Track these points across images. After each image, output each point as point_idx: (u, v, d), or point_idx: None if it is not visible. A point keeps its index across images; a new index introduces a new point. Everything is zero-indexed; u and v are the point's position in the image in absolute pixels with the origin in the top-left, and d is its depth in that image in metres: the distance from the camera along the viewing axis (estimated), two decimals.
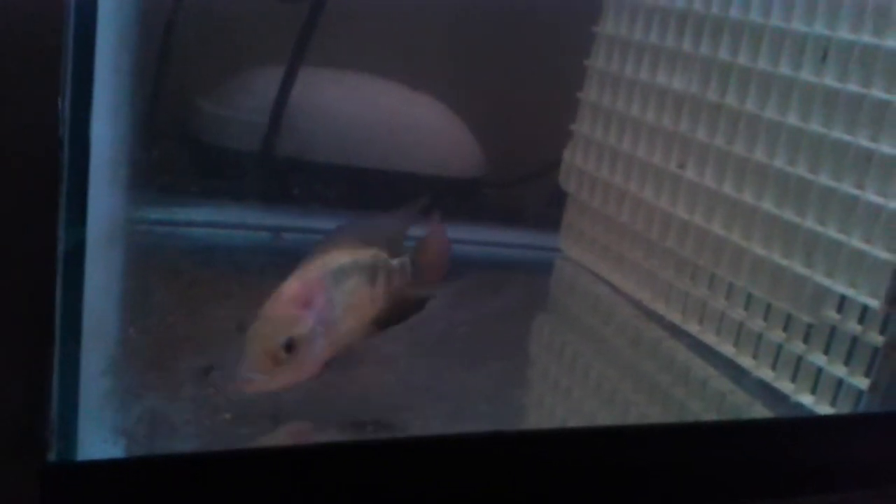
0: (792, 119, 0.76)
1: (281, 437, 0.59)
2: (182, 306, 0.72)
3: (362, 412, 0.62)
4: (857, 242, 0.70)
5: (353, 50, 0.96)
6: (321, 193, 0.93)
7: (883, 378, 0.68)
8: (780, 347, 0.76)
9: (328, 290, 0.60)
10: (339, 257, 0.62)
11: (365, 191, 0.95)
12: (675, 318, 0.87)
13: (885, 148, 0.69)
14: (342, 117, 0.97)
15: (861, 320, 0.70)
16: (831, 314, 0.72)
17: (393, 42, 0.99)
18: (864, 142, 0.70)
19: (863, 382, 0.69)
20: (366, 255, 0.64)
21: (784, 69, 0.77)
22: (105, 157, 0.54)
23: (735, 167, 0.81)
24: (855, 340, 0.70)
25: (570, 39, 1.00)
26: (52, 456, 0.46)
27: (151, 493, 0.48)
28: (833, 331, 0.72)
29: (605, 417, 0.72)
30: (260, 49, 0.94)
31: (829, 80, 0.73)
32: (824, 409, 0.71)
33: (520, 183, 1.07)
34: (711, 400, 0.76)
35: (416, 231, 0.70)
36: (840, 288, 0.71)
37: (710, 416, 0.74)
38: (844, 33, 0.73)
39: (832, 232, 0.72)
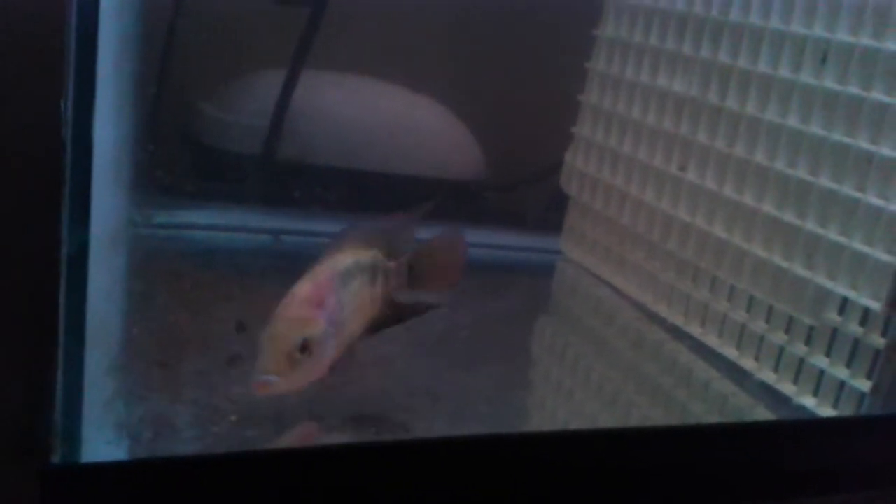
0: (792, 121, 0.76)
1: (291, 438, 0.59)
2: (184, 308, 0.72)
3: (363, 414, 0.62)
4: (858, 245, 0.70)
5: (354, 53, 0.96)
6: (322, 196, 0.93)
7: (885, 380, 0.68)
8: (782, 350, 0.76)
9: (337, 291, 0.60)
10: (345, 259, 0.62)
11: (366, 194, 0.95)
12: (677, 320, 0.87)
13: (886, 150, 0.69)
14: (343, 120, 0.97)
15: (863, 322, 0.70)
16: (833, 316, 0.72)
17: (394, 45, 0.99)
18: (865, 144, 0.70)
19: (865, 384, 0.69)
20: (366, 255, 0.64)
21: (784, 72, 0.77)
22: (107, 160, 0.55)
23: (736, 169, 0.81)
24: (857, 342, 0.70)
25: (571, 42, 1.01)
26: (54, 458, 0.46)
27: (154, 496, 0.48)
28: (835, 333, 0.72)
29: (606, 420, 0.72)
30: (261, 52, 0.94)
31: (830, 83, 0.74)
32: (826, 411, 0.71)
33: (521, 185, 1.07)
34: (714, 402, 0.76)
35: (429, 235, 0.70)
36: (841, 290, 0.71)
37: (712, 418, 0.74)
38: (844, 36, 0.73)
39: (833, 234, 0.72)
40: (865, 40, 0.71)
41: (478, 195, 1.05)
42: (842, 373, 0.71)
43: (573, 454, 0.58)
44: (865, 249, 0.69)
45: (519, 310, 0.91)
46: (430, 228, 0.70)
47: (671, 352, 0.83)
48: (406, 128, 1.01)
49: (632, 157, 0.93)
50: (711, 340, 0.83)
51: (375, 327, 0.65)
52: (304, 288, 0.58)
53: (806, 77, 0.76)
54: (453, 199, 1.03)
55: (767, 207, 0.78)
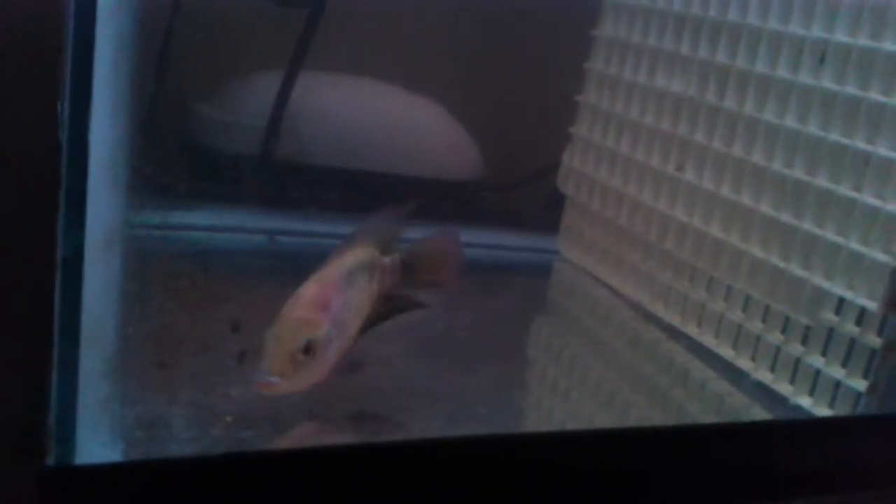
0: (790, 121, 0.76)
1: (292, 438, 0.59)
2: (181, 309, 0.72)
3: (361, 414, 0.62)
4: (855, 244, 0.70)
5: (352, 53, 0.96)
6: (320, 197, 0.93)
7: (881, 380, 0.68)
8: (778, 349, 0.76)
9: (342, 292, 0.61)
10: (349, 259, 0.63)
11: (364, 194, 0.95)
12: (674, 320, 0.87)
13: (883, 150, 0.69)
14: (341, 121, 0.97)
15: (859, 322, 0.70)
16: (829, 316, 0.72)
17: (392, 46, 0.99)
18: (862, 144, 0.70)
19: (861, 384, 0.69)
20: (366, 254, 0.65)
21: (782, 72, 0.77)
22: (104, 160, 0.54)
23: (733, 169, 0.81)
24: (853, 342, 0.70)
25: (569, 42, 1.00)
26: (50, 459, 0.46)
27: (150, 497, 0.48)
28: (831, 333, 0.72)
29: (603, 420, 0.72)
30: (259, 53, 0.94)
31: (827, 83, 0.74)
32: (823, 411, 0.71)
33: (518, 185, 1.07)
34: (710, 402, 0.76)
35: (423, 233, 0.71)
36: (838, 290, 0.71)
37: (709, 418, 0.74)
38: (842, 36, 0.73)
39: (830, 234, 0.72)
40: (863, 41, 0.71)
41: (475, 195, 1.05)
42: (838, 372, 0.71)
43: (570, 454, 0.58)
44: (862, 249, 0.69)
45: (516, 310, 0.91)
46: (427, 228, 0.70)
47: (668, 352, 0.83)
48: (404, 128, 1.01)
49: (629, 157, 0.93)
50: (708, 340, 0.83)
51: (369, 324, 0.65)
52: (310, 289, 0.59)
53: (804, 77, 0.76)
54: (451, 200, 1.03)
55: (765, 207, 0.78)
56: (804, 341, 0.74)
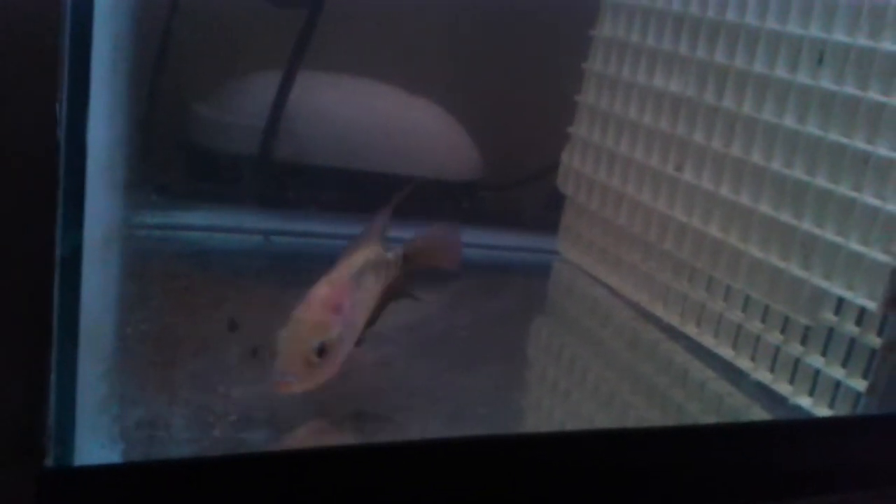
0: (789, 121, 0.76)
1: (297, 438, 0.59)
2: (179, 309, 0.72)
3: (361, 414, 0.62)
4: (854, 244, 0.70)
5: (350, 54, 0.96)
6: (319, 197, 0.93)
7: (881, 380, 0.68)
8: (778, 349, 0.76)
9: (353, 294, 0.62)
10: (358, 259, 0.64)
11: (363, 194, 0.95)
12: (674, 320, 0.87)
13: (882, 150, 0.69)
14: (340, 121, 0.97)
15: (859, 322, 0.70)
16: (829, 316, 0.72)
17: (390, 46, 0.99)
18: (861, 144, 0.70)
19: (861, 384, 0.69)
20: (373, 253, 0.66)
21: (781, 72, 0.77)
22: (102, 161, 0.54)
23: (732, 169, 0.81)
24: (853, 342, 0.70)
25: (568, 42, 1.00)
26: (49, 461, 0.46)
27: (149, 499, 0.47)
28: (831, 333, 0.72)
29: (603, 420, 0.72)
30: (257, 53, 0.94)
31: (826, 83, 0.74)
32: (822, 411, 0.71)
33: (518, 185, 1.07)
34: (710, 402, 0.76)
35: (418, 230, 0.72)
36: (838, 290, 0.71)
37: (708, 418, 0.74)
38: (841, 36, 0.73)
39: (830, 234, 0.72)
40: (862, 40, 0.71)
41: (474, 195, 1.05)
42: (838, 372, 0.71)
43: (570, 455, 0.58)
44: (862, 249, 0.69)
45: (516, 310, 0.91)
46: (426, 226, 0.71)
47: (667, 352, 0.83)
48: (403, 128, 1.01)
49: (628, 157, 0.93)
50: (707, 340, 0.83)
51: (368, 321, 0.66)
52: (322, 291, 0.60)
53: (802, 77, 0.76)
54: (450, 200, 1.03)
55: (764, 207, 0.78)
56: (804, 341, 0.74)
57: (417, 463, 0.54)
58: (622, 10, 0.95)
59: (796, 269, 0.74)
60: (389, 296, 0.69)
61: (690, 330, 0.85)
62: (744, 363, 0.79)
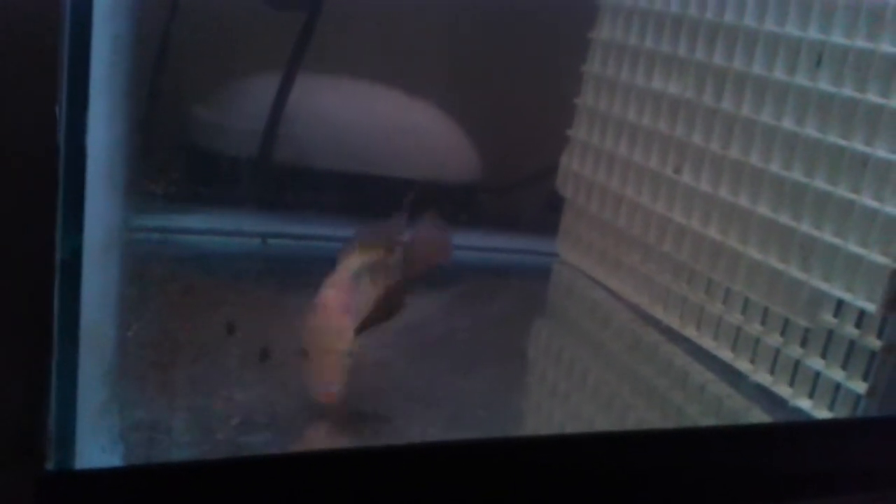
0: (787, 123, 0.76)
1: (299, 441, 0.59)
2: (179, 313, 0.72)
3: (360, 417, 0.62)
4: (853, 246, 0.70)
5: (349, 56, 0.96)
6: (318, 200, 0.93)
7: (881, 382, 0.68)
8: (777, 352, 0.76)
9: (356, 294, 0.63)
10: (354, 262, 0.65)
11: (362, 197, 0.95)
12: (673, 322, 0.87)
13: (881, 152, 0.69)
14: (339, 123, 0.97)
15: (858, 324, 0.70)
16: (828, 318, 0.72)
17: (390, 48, 0.99)
18: (860, 146, 0.70)
19: (860, 386, 0.69)
20: (370, 256, 0.66)
21: (779, 74, 0.78)
22: (101, 163, 0.54)
23: (731, 171, 0.81)
24: (852, 344, 0.70)
25: (567, 45, 1.01)
26: (49, 464, 0.46)
27: (150, 502, 0.47)
28: (830, 335, 0.72)
29: (603, 422, 0.72)
30: (256, 55, 0.94)
31: (824, 85, 0.74)
32: (822, 413, 0.71)
33: (517, 188, 1.07)
34: (709, 404, 0.76)
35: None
36: (837, 292, 0.71)
37: (708, 420, 0.74)
38: (839, 38, 0.73)
39: (828, 236, 0.72)
40: (860, 42, 0.71)
41: (473, 198, 1.05)
42: (837, 375, 0.71)
43: (570, 457, 0.58)
44: (861, 251, 0.69)
45: (515, 312, 0.91)
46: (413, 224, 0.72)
47: (667, 354, 0.83)
48: (402, 131, 1.01)
49: (627, 159, 0.93)
50: (707, 342, 0.83)
51: (370, 323, 0.66)
52: (333, 296, 0.61)
53: (801, 79, 0.76)
54: (449, 202, 1.03)
55: (763, 209, 0.78)
56: (803, 343, 0.74)
57: (417, 466, 0.54)
58: (620, 13, 0.95)
59: (795, 271, 0.74)
60: (387, 306, 0.69)
61: (690, 332, 0.85)
62: (743, 365, 0.79)
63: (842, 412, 0.70)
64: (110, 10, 0.55)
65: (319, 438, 0.61)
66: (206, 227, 0.89)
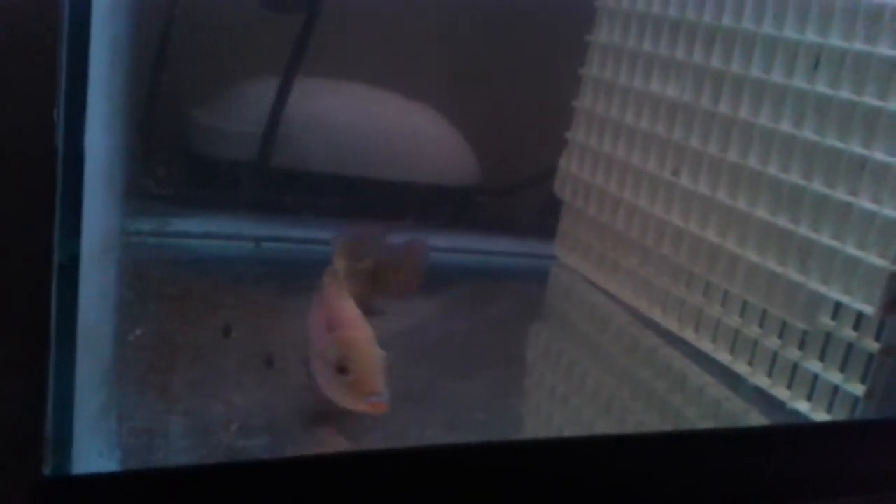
0: (785, 126, 0.76)
1: (296, 446, 0.59)
2: (177, 317, 0.72)
3: (356, 422, 0.62)
4: (851, 249, 0.70)
5: (348, 59, 0.96)
6: (316, 203, 0.93)
7: (879, 384, 0.68)
8: (775, 354, 0.76)
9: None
10: (340, 265, 0.64)
11: (361, 200, 0.95)
12: (671, 325, 0.87)
13: (879, 154, 0.69)
14: (337, 127, 0.97)
15: (856, 327, 0.70)
16: (826, 321, 0.72)
17: (388, 51, 0.99)
18: (858, 148, 0.70)
19: (858, 389, 0.69)
20: (356, 266, 0.66)
21: (777, 76, 0.78)
22: (99, 168, 0.54)
23: (729, 174, 0.81)
24: (850, 347, 0.70)
25: (565, 48, 1.01)
26: (46, 469, 0.46)
27: None
28: (828, 337, 0.72)
29: (602, 426, 0.72)
30: (255, 59, 0.94)
31: (822, 88, 0.74)
32: (820, 415, 0.71)
33: (515, 191, 1.07)
34: (708, 407, 0.76)
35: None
36: (835, 294, 0.71)
37: (706, 423, 0.74)
38: (837, 40, 0.73)
39: (826, 239, 0.72)
40: (857, 45, 0.71)
41: (472, 201, 1.05)
42: (835, 377, 0.71)
43: (569, 461, 0.58)
44: (858, 254, 0.69)
45: (513, 315, 0.91)
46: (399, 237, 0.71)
47: (665, 357, 0.83)
48: (400, 134, 1.01)
49: (625, 162, 0.93)
50: (705, 345, 0.83)
51: None
52: (353, 307, 0.61)
53: (798, 82, 0.76)
54: (448, 205, 1.03)
55: (761, 212, 0.78)
56: (801, 346, 0.74)
57: (416, 470, 0.54)
58: (618, 15, 0.95)
59: (793, 274, 0.74)
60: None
61: (688, 335, 0.85)
62: (742, 368, 0.79)
63: (840, 414, 0.70)
64: (109, 13, 0.55)
65: (316, 443, 0.61)
66: (204, 231, 0.89)
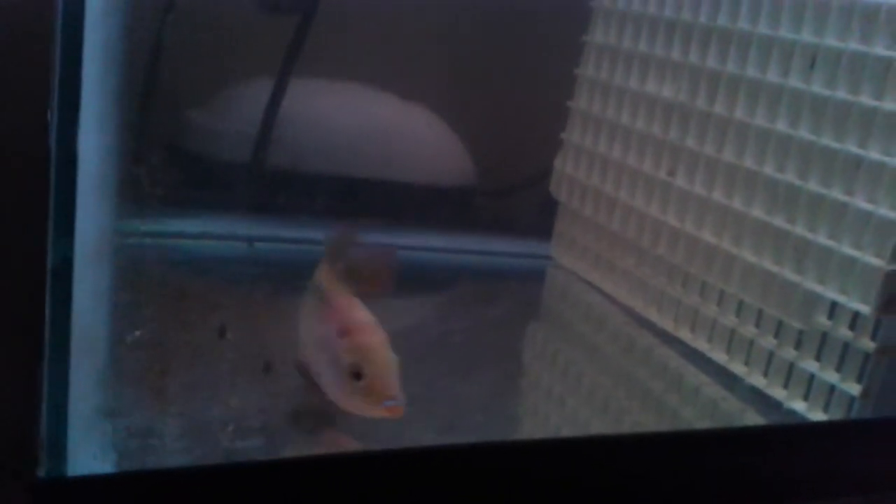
0: (781, 126, 0.77)
1: (294, 447, 0.59)
2: (172, 317, 0.72)
3: (353, 423, 0.62)
4: (847, 249, 0.70)
5: (343, 60, 0.96)
6: (312, 204, 0.93)
7: (875, 384, 0.68)
8: (771, 354, 0.76)
9: None
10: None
11: (356, 201, 0.95)
12: (667, 325, 0.87)
13: (874, 154, 0.69)
14: (333, 127, 0.97)
15: (852, 326, 0.70)
16: (822, 320, 0.72)
17: (383, 52, 0.99)
18: (853, 148, 0.70)
19: (854, 388, 0.69)
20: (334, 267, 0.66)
21: (772, 76, 0.78)
22: (93, 169, 0.54)
23: (725, 174, 0.81)
24: (846, 346, 0.70)
25: (561, 48, 1.01)
26: (41, 471, 0.46)
27: None
28: (824, 337, 0.72)
29: (598, 426, 0.72)
30: (250, 60, 0.94)
31: (818, 87, 0.74)
32: (817, 415, 0.72)
33: (511, 191, 1.07)
34: (704, 407, 0.76)
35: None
36: (831, 294, 0.71)
37: (703, 423, 0.74)
38: (832, 40, 0.73)
39: (822, 238, 0.72)
40: (854, 45, 0.71)
41: (468, 201, 1.05)
42: (832, 377, 0.71)
43: (566, 461, 0.58)
44: (854, 253, 0.69)
45: (510, 316, 0.91)
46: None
47: (662, 357, 0.83)
48: (396, 134, 1.01)
49: (621, 162, 0.93)
50: (701, 345, 0.83)
51: None
52: (365, 310, 0.59)
53: (794, 82, 0.76)
54: (444, 206, 1.02)
55: (756, 212, 0.78)
56: (797, 346, 0.74)
57: (413, 471, 0.54)
58: (614, 16, 0.95)
59: (789, 274, 0.74)
60: None
61: (684, 335, 0.85)
62: (738, 368, 0.79)
63: (836, 414, 0.70)
64: (102, 14, 0.54)
65: (314, 444, 0.61)
66: (199, 232, 0.89)
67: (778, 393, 0.75)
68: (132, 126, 0.83)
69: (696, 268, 0.84)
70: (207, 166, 0.94)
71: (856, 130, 0.71)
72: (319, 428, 0.62)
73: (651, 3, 0.90)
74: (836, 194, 0.71)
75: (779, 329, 0.76)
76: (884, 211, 0.68)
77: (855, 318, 0.70)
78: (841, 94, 0.72)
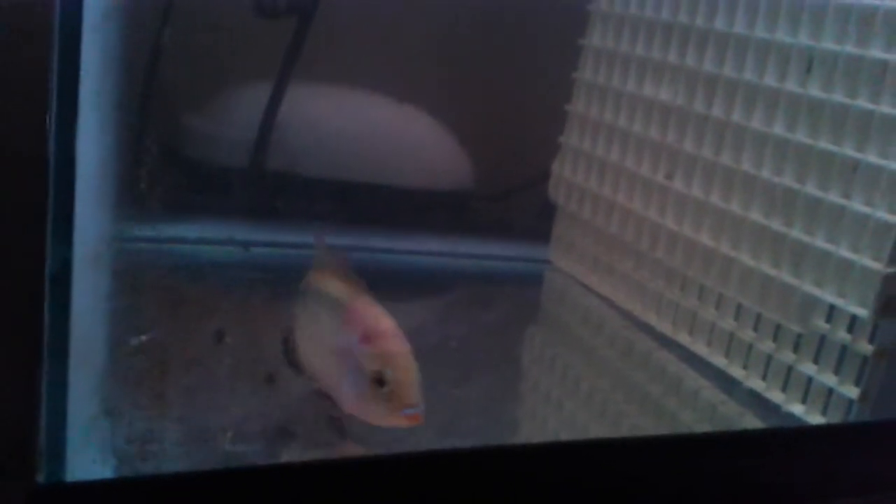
0: (778, 129, 0.77)
1: (292, 452, 0.59)
2: (171, 323, 0.72)
3: (350, 428, 0.62)
4: (845, 252, 0.70)
5: (341, 64, 0.96)
6: (310, 208, 0.93)
7: (873, 387, 0.68)
8: (770, 357, 0.76)
9: None
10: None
11: (354, 205, 0.95)
12: (666, 328, 0.87)
13: (871, 157, 0.69)
14: (330, 131, 0.97)
15: (850, 329, 0.70)
16: (820, 324, 0.72)
17: (381, 56, 0.99)
18: (851, 151, 0.71)
19: (853, 391, 0.69)
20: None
21: (769, 80, 0.78)
22: (91, 174, 0.54)
23: (722, 178, 0.81)
24: (844, 349, 0.70)
25: (558, 52, 1.01)
26: (40, 477, 0.46)
27: None
28: (823, 340, 0.72)
29: (597, 430, 0.72)
30: (248, 64, 0.94)
31: (815, 91, 0.74)
32: (815, 418, 0.72)
33: (509, 195, 1.07)
34: (703, 410, 0.76)
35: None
36: (829, 297, 0.71)
37: (701, 426, 0.74)
38: (829, 44, 0.73)
39: (820, 241, 0.72)
40: (850, 48, 0.72)
41: (466, 205, 1.05)
42: (830, 380, 0.71)
43: (564, 465, 0.58)
44: (852, 256, 0.69)
45: (508, 319, 0.91)
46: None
47: (660, 360, 0.83)
48: (394, 138, 1.01)
49: (619, 165, 0.93)
50: (700, 349, 0.83)
51: None
52: (388, 317, 0.59)
53: (791, 85, 0.76)
54: (442, 210, 1.03)
55: (754, 215, 0.78)
56: (796, 349, 0.74)
57: (410, 475, 0.54)
58: (611, 19, 0.95)
59: (787, 277, 0.74)
60: None
61: (683, 338, 0.85)
62: (736, 371, 0.79)
63: (834, 417, 0.70)
64: (101, 20, 0.55)
65: (312, 449, 0.61)
66: (197, 237, 0.89)
67: (776, 396, 0.75)
68: (131, 130, 0.83)
69: (695, 271, 0.84)
70: (206, 171, 0.94)
71: (853, 133, 0.71)
72: (315, 432, 0.62)
73: (648, 7, 0.90)
74: (834, 197, 0.71)
75: (777, 332, 0.76)
76: (881, 214, 0.68)
77: (853, 322, 0.70)
78: (838, 97, 0.72)
